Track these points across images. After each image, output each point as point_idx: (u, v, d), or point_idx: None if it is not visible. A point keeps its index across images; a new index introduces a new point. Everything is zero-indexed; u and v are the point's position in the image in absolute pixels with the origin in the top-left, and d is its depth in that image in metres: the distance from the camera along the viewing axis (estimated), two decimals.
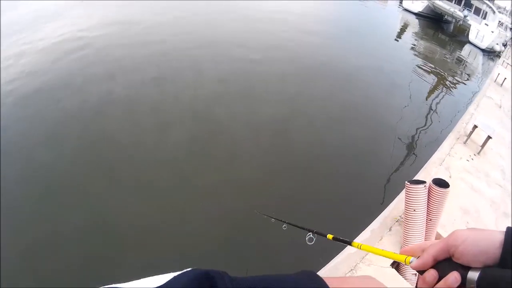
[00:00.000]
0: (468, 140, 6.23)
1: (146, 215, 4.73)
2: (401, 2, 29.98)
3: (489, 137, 5.87)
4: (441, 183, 3.28)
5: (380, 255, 0.76)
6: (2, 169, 5.36)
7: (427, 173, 4.93)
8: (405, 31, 21.72)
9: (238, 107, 7.69)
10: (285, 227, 2.19)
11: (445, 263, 0.57)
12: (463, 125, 6.90)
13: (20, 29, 12.17)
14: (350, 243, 1.08)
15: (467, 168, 5.43)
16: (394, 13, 27.60)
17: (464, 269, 0.53)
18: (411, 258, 0.63)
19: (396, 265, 3.42)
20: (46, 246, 4.27)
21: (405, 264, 0.64)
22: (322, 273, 3.13)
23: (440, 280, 0.56)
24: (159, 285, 0.42)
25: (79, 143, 6.10)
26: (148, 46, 10.58)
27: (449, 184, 3.27)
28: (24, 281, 3.89)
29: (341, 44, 14.48)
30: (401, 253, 0.67)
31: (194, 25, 13.27)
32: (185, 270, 0.47)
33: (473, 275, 0.51)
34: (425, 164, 5.29)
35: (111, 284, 0.40)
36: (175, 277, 0.44)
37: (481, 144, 6.09)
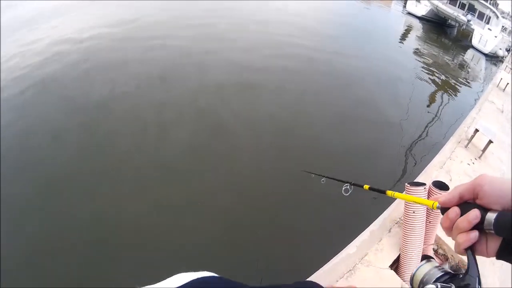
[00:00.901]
0: (469, 144, 6.22)
1: (148, 213, 4.75)
2: (404, 5, 29.97)
3: (490, 142, 5.86)
4: (441, 186, 3.27)
5: (412, 201, 0.83)
6: (2, 167, 5.39)
7: (427, 176, 4.93)
8: (408, 34, 21.72)
9: (241, 103, 7.73)
10: (323, 180, 2.35)
11: (468, 204, 0.60)
12: (464, 129, 6.90)
13: (21, 28, 12.26)
14: (384, 192, 1.19)
15: (467, 172, 5.43)
16: (398, 16, 27.58)
17: (484, 211, 0.56)
18: (437, 204, 0.66)
19: (395, 267, 3.43)
20: (45, 244, 4.28)
21: (433, 209, 0.68)
22: (320, 273, 3.14)
23: None
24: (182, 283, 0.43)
25: (79, 141, 6.13)
26: (154, 46, 10.64)
27: (449, 187, 3.27)
28: (24, 279, 3.88)
29: (343, 46, 14.47)
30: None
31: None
32: (204, 274, 0.47)
33: (491, 216, 0.54)
34: (426, 167, 5.29)
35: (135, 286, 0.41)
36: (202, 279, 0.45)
37: (482, 148, 6.08)
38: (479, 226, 0.56)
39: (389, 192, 1.11)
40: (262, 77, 9.30)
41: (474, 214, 0.56)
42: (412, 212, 3.27)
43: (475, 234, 0.56)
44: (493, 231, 0.54)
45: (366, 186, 1.48)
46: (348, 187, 1.71)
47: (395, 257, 3.41)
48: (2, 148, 5.81)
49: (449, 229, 0.61)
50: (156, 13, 14.30)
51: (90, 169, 5.51)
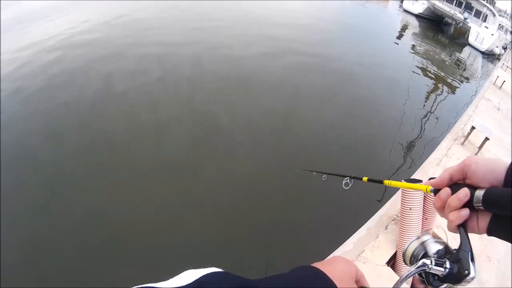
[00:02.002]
0: (466, 141, 6.24)
1: (146, 210, 4.74)
2: (401, 3, 30.00)
3: (486, 139, 5.88)
4: None
5: (408, 187, 0.87)
6: (2, 164, 5.36)
7: (424, 173, 4.94)
8: (405, 32, 21.74)
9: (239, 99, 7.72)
10: (324, 177, 2.48)
11: (458, 185, 0.63)
12: (461, 126, 6.92)
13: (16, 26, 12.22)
14: (382, 182, 1.24)
15: None
16: (394, 14, 27.62)
17: (473, 189, 0.59)
18: (431, 187, 0.70)
19: (391, 264, 3.43)
20: (44, 242, 4.26)
21: (427, 193, 0.72)
22: None
23: None
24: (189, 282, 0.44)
25: (78, 139, 6.10)
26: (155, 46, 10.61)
27: None
28: (23, 277, 3.85)
29: (340, 43, 14.48)
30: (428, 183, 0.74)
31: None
32: (212, 270, 0.48)
33: (479, 193, 0.57)
34: (422, 164, 5.30)
35: (144, 284, 0.41)
36: (208, 275, 0.46)
37: (478, 145, 6.10)
38: (469, 204, 0.59)
39: (386, 182, 1.15)
40: (260, 75, 9.31)
41: (464, 192, 0.59)
42: (408, 209, 3.28)
43: (466, 211, 0.59)
44: (482, 208, 0.57)
45: (365, 178, 1.54)
46: (348, 180, 1.78)
47: (391, 254, 3.42)
48: (2, 146, 5.79)
49: (441, 209, 0.65)
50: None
51: (89, 167, 5.49)
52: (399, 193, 4.00)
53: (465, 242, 0.59)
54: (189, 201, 4.98)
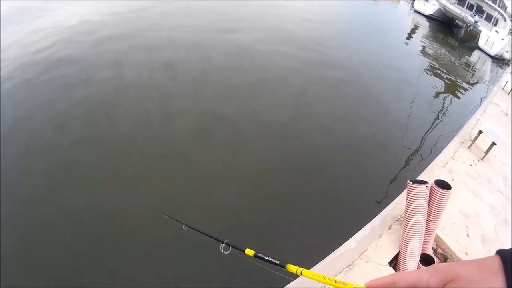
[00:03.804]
0: (473, 145, 6.20)
1: (149, 201, 4.76)
2: (413, 4, 29.71)
3: (493, 144, 5.83)
4: (443, 185, 3.26)
5: (329, 284, 0.64)
6: (3, 155, 5.38)
7: (429, 175, 4.91)
8: (415, 33, 21.54)
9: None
10: (185, 227, 2.30)
11: None
12: (468, 130, 6.86)
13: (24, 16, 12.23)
14: (284, 266, 0.90)
15: (469, 173, 5.41)
16: (405, 14, 27.34)
17: None
18: None
19: (393, 264, 3.43)
20: (44, 236, 4.28)
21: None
22: (319, 267, 3.14)
23: None
24: None
25: (82, 130, 6.12)
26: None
27: (451, 186, 3.26)
28: (22, 272, 3.87)
29: (350, 43, 14.40)
30: (366, 285, 0.56)
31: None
32: None
33: None
34: (428, 166, 5.27)
35: None
36: None
37: (485, 150, 6.05)
38: None
39: (291, 267, 0.85)
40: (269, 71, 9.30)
41: None
42: (413, 210, 3.26)
43: None
44: None
45: (250, 252, 1.17)
46: (225, 246, 1.54)
47: (394, 254, 3.41)
48: (2, 136, 5.81)
49: None
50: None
51: (90, 158, 5.52)
52: (404, 193, 3.98)
53: None
54: (190, 195, 5.00)
